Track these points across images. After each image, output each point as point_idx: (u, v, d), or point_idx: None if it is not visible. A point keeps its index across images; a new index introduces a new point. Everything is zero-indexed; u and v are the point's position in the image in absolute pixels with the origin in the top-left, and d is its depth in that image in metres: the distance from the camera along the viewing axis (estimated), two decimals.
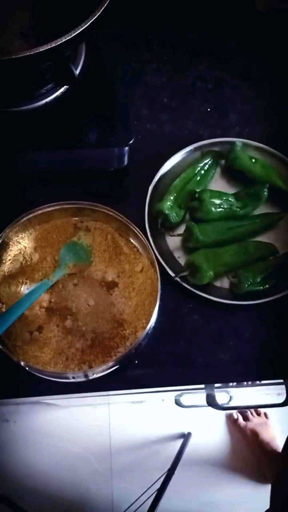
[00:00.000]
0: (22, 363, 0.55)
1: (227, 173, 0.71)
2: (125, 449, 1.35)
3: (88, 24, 0.50)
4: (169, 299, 0.63)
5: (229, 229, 0.65)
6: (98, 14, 0.51)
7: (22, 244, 0.63)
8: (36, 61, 0.53)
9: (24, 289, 0.61)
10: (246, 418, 1.36)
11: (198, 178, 0.68)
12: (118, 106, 0.65)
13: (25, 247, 0.63)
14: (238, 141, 0.70)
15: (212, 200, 0.64)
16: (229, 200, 0.66)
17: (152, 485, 1.14)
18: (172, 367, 0.60)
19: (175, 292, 0.63)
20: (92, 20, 0.50)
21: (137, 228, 0.62)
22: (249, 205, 0.67)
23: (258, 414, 1.37)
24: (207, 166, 0.69)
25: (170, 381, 0.60)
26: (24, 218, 0.62)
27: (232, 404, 0.87)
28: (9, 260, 0.62)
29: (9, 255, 0.62)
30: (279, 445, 1.29)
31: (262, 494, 1.32)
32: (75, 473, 1.32)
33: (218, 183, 0.70)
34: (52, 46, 0.48)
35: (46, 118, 0.63)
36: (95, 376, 0.57)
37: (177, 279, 0.62)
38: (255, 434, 1.31)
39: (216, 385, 0.62)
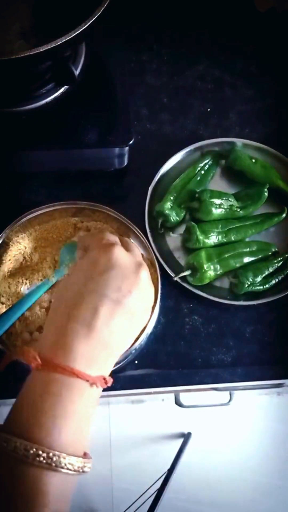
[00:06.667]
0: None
1: (227, 173, 0.71)
2: (125, 449, 1.35)
3: (88, 24, 0.50)
4: (169, 299, 0.63)
5: (229, 229, 0.65)
6: (98, 14, 0.51)
7: (22, 244, 0.63)
8: (36, 61, 0.53)
9: (24, 289, 0.61)
10: None
11: (198, 178, 0.68)
12: (118, 106, 0.65)
13: (25, 247, 0.63)
14: (238, 141, 0.70)
15: (212, 200, 0.64)
16: (229, 200, 0.66)
17: (152, 485, 1.14)
18: (172, 367, 0.60)
19: (175, 292, 0.63)
20: (92, 20, 0.50)
21: (137, 228, 0.62)
22: (249, 205, 0.67)
23: None
24: (207, 166, 0.69)
25: (170, 381, 0.60)
26: (24, 218, 0.62)
27: (232, 404, 0.88)
28: (9, 260, 0.62)
29: (9, 255, 0.62)
30: None
31: (262, 494, 1.32)
32: None
33: (218, 183, 0.70)
34: (52, 46, 0.48)
35: (46, 118, 0.63)
36: None
37: (177, 279, 0.62)
38: None
39: (216, 385, 0.62)
